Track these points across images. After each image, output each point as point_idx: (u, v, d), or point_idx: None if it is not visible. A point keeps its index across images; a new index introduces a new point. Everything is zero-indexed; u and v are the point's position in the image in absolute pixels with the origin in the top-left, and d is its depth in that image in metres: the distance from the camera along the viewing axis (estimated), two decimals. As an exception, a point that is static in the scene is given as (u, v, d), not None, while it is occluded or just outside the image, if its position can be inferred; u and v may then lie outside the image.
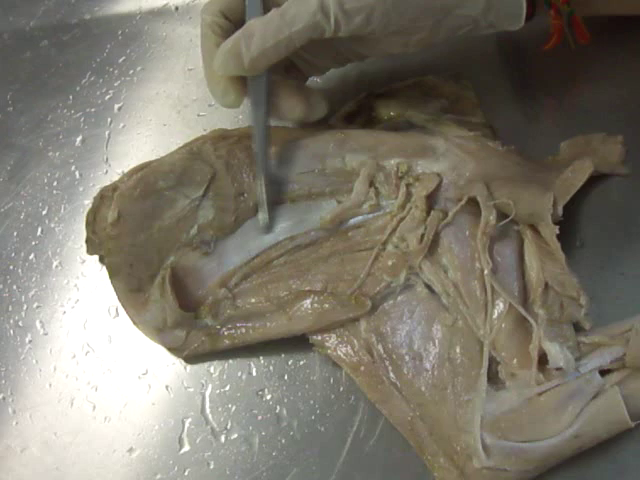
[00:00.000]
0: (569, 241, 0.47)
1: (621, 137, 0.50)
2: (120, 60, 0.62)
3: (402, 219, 0.47)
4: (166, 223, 0.49)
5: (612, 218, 0.48)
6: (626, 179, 0.49)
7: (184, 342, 0.48)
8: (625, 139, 0.50)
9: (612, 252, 0.47)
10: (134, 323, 0.49)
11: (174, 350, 0.48)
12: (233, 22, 0.47)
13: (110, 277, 0.49)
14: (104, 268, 0.51)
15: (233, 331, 0.47)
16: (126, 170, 0.52)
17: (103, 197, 0.50)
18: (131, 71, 0.62)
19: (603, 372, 0.43)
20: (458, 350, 0.44)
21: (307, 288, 0.47)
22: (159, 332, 0.48)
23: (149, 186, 0.49)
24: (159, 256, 0.49)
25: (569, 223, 0.47)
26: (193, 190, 0.50)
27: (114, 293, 0.49)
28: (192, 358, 0.48)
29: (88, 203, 0.53)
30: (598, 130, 0.50)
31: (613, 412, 0.41)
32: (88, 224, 0.50)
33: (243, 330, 0.47)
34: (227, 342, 0.47)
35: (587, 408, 0.41)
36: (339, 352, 0.45)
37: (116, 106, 0.60)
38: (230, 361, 0.48)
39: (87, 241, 0.50)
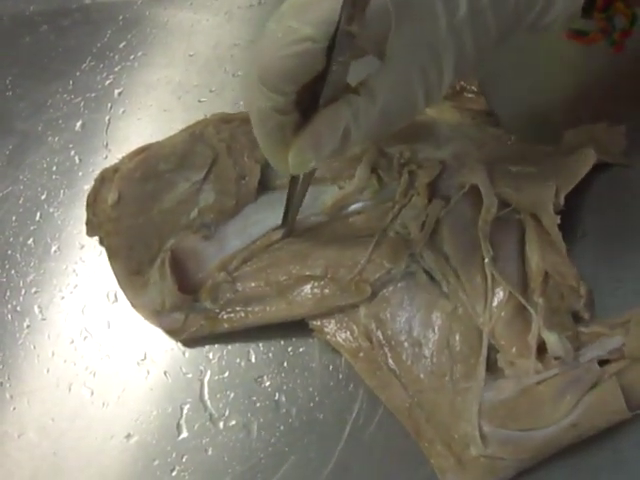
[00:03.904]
0: (571, 231, 0.47)
1: (624, 127, 0.50)
2: (121, 45, 0.62)
3: (404, 206, 0.47)
4: (166, 206, 0.49)
5: (614, 208, 0.48)
6: (629, 169, 0.49)
7: (182, 325, 0.48)
8: (628, 129, 0.49)
9: (613, 243, 0.47)
10: (132, 305, 0.49)
11: (172, 333, 0.48)
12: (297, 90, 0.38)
13: (109, 259, 0.49)
14: (103, 253, 0.51)
15: (232, 315, 0.47)
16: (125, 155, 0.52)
17: (104, 179, 0.50)
18: (132, 56, 0.61)
19: (602, 362, 0.43)
20: (457, 338, 0.44)
21: (307, 273, 0.47)
22: (157, 315, 0.48)
23: (150, 168, 0.49)
24: (159, 239, 0.49)
25: (571, 213, 0.47)
26: (194, 173, 0.50)
27: (113, 276, 0.49)
28: (191, 342, 0.48)
29: (87, 188, 0.53)
30: (601, 120, 0.50)
31: (611, 402, 0.41)
32: (88, 205, 0.50)
33: (242, 314, 0.47)
34: (226, 326, 0.47)
35: (585, 398, 0.41)
36: (338, 338, 0.45)
37: (116, 91, 0.60)
38: (229, 347, 0.48)
39: (87, 223, 0.50)
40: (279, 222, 0.49)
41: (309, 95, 0.38)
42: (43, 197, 0.56)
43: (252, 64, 0.38)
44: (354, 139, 0.39)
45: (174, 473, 0.45)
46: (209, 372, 0.48)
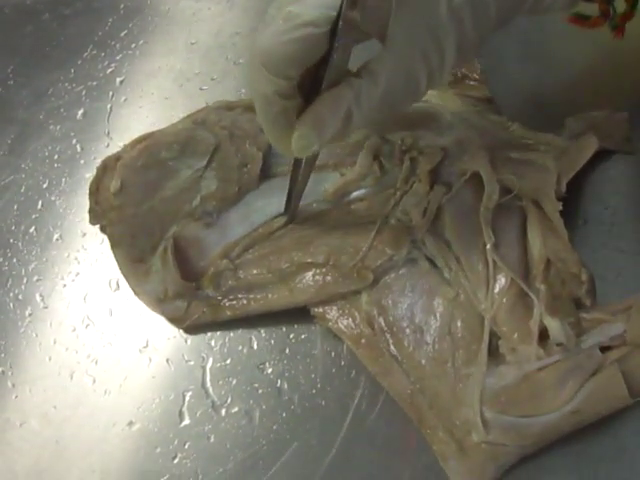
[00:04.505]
0: (572, 219, 0.47)
1: (626, 114, 0.50)
2: (122, 34, 0.62)
3: (405, 193, 0.47)
4: (169, 193, 0.49)
5: (615, 195, 0.48)
6: (630, 156, 0.49)
7: (185, 313, 0.48)
8: (630, 116, 0.50)
9: (614, 230, 0.47)
10: (135, 293, 0.49)
11: (175, 321, 0.48)
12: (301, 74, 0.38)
13: (112, 247, 0.49)
14: (105, 241, 0.51)
15: (234, 302, 0.48)
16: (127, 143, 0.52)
17: (106, 167, 0.50)
18: (133, 45, 0.61)
19: (603, 349, 0.42)
20: (459, 324, 0.44)
21: (309, 260, 0.47)
22: (160, 302, 0.48)
23: (152, 156, 0.49)
24: (161, 227, 0.49)
25: (572, 200, 0.47)
26: (196, 160, 0.50)
27: (115, 264, 0.50)
28: (193, 329, 0.48)
29: (89, 176, 0.53)
30: (603, 107, 0.50)
31: (613, 388, 0.41)
32: (91, 194, 0.50)
33: (244, 301, 0.47)
34: (228, 313, 0.47)
35: (587, 384, 0.41)
36: (340, 324, 0.45)
37: (118, 79, 0.60)
38: (231, 334, 0.48)
39: (90, 211, 0.50)
40: (281, 209, 0.49)
41: (311, 80, 0.38)
42: (45, 185, 0.56)
43: (254, 51, 0.38)
44: (356, 121, 0.39)
45: (176, 460, 0.45)
46: (211, 359, 0.48)
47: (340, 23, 0.36)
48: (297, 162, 0.46)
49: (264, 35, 0.37)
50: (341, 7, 0.35)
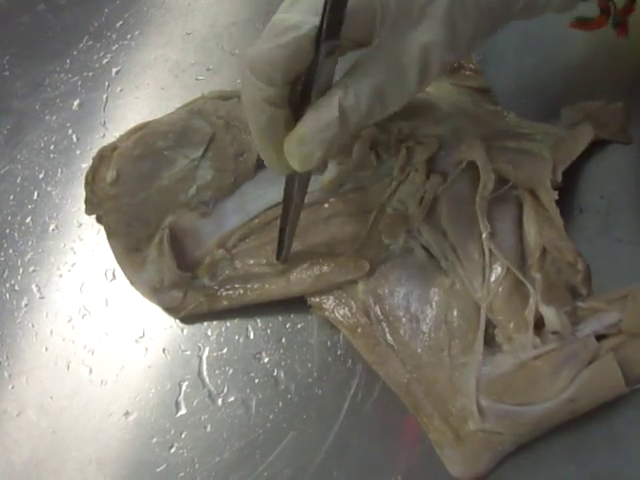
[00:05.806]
0: (568, 208, 0.47)
1: (621, 104, 0.49)
2: (118, 24, 0.62)
3: (402, 182, 0.47)
4: (165, 183, 0.49)
5: (612, 185, 0.48)
6: (626, 146, 0.49)
7: (181, 302, 0.48)
8: (626, 106, 0.49)
9: (611, 219, 0.47)
10: (131, 283, 0.49)
11: (171, 310, 0.48)
12: (288, 81, 0.38)
13: (108, 237, 0.50)
14: (101, 232, 0.51)
15: (231, 292, 0.48)
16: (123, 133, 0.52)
17: (102, 157, 0.50)
18: (129, 35, 0.61)
19: (599, 337, 0.43)
20: (455, 313, 0.44)
21: (306, 250, 0.47)
22: (156, 292, 0.48)
23: (148, 146, 0.49)
24: (157, 216, 0.49)
25: (568, 189, 0.47)
26: (192, 150, 0.50)
27: (111, 254, 0.50)
28: (189, 319, 0.48)
29: (85, 167, 0.53)
30: (600, 97, 0.50)
31: (608, 377, 0.41)
32: (87, 184, 0.50)
33: (241, 291, 0.47)
34: (225, 303, 0.48)
35: (583, 373, 0.41)
36: (337, 314, 0.46)
37: (114, 70, 0.60)
38: (227, 324, 0.48)
39: (86, 201, 0.50)
40: (277, 199, 0.48)
41: (299, 97, 0.39)
42: (41, 176, 0.56)
43: (243, 59, 0.38)
44: (351, 120, 0.38)
45: (172, 450, 0.45)
46: (207, 349, 0.48)
47: (324, 24, 0.36)
48: (287, 196, 0.45)
49: (254, 44, 0.38)
50: (324, 10, 0.35)
